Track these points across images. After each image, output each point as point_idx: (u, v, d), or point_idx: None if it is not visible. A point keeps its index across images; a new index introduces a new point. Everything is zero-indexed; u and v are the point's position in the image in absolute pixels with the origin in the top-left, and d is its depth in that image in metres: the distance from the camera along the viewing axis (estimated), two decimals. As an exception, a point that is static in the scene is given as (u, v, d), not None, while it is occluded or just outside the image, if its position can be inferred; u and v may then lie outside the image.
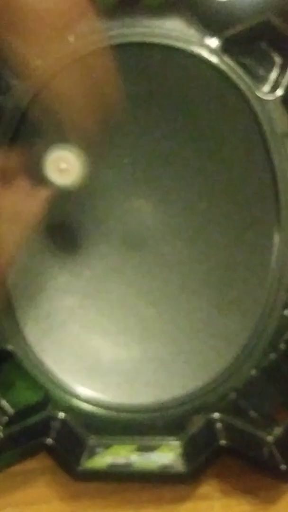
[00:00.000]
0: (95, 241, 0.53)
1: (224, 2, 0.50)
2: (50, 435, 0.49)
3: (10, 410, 0.51)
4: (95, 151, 0.52)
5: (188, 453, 0.49)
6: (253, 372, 0.51)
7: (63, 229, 0.53)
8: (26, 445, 0.49)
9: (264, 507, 0.51)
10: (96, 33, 0.51)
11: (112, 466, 0.48)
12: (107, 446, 0.50)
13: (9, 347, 0.51)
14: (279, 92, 0.51)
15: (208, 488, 0.51)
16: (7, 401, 0.51)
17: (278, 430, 0.50)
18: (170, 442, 0.50)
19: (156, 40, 0.52)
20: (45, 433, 0.49)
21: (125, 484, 0.51)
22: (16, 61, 0.48)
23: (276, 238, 0.51)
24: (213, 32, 0.51)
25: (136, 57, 0.52)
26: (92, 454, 0.49)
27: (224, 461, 0.50)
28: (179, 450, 0.50)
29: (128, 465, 0.48)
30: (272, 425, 0.50)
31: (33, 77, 0.51)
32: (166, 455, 0.49)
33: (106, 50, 0.51)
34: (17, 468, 0.51)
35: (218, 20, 0.50)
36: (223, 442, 0.48)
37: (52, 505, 0.52)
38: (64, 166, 0.47)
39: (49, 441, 0.48)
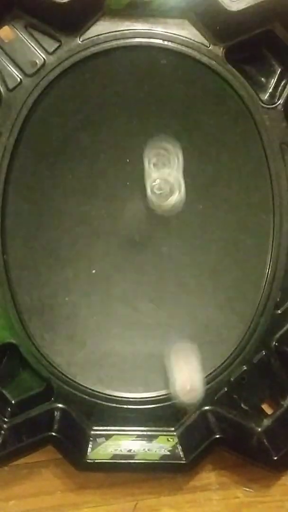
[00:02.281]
0: (97, 239, 0.54)
1: (231, 12, 0.50)
2: (53, 427, 0.51)
3: (12, 400, 0.53)
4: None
5: (184, 443, 0.52)
6: (245, 367, 0.54)
7: (68, 228, 0.54)
8: (31, 438, 0.51)
9: (261, 498, 0.54)
10: (104, 35, 0.52)
11: (115, 457, 0.51)
12: (107, 436, 0.53)
13: (13, 340, 0.53)
14: (280, 101, 0.53)
15: (206, 480, 0.54)
16: (9, 393, 0.53)
17: (267, 422, 0.54)
18: (167, 433, 0.53)
19: (162, 43, 0.52)
20: (49, 426, 0.51)
21: (125, 476, 0.53)
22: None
23: (271, 241, 0.54)
24: (219, 40, 0.52)
25: (142, 59, 0.53)
26: (95, 445, 0.52)
27: (221, 454, 0.53)
28: (175, 440, 0.53)
29: (131, 456, 0.51)
30: (261, 417, 0.54)
31: (40, 74, 0.52)
32: (165, 445, 0.52)
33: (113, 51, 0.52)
34: (21, 461, 0.53)
35: (224, 28, 0.51)
36: (218, 433, 0.51)
37: (54, 497, 0.54)
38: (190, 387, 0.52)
39: (53, 434, 0.50)
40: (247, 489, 0.54)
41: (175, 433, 0.53)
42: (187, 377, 0.52)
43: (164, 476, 0.53)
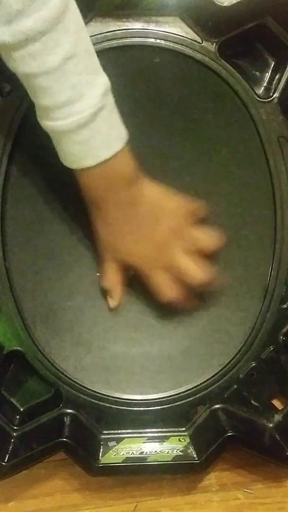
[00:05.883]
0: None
1: (222, 7, 0.50)
2: (64, 433, 0.51)
3: (20, 408, 0.53)
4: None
5: (196, 443, 0.52)
6: (254, 363, 0.54)
7: (69, 232, 0.54)
8: (41, 445, 0.50)
9: (261, 500, 0.54)
10: (96, 36, 0.52)
11: (127, 460, 0.50)
12: (118, 440, 0.52)
13: (18, 347, 0.52)
14: (275, 94, 0.53)
15: (206, 481, 0.54)
16: (17, 400, 0.53)
17: (278, 417, 0.54)
18: (178, 433, 0.53)
19: (155, 42, 0.52)
20: (59, 432, 0.51)
21: (125, 477, 0.53)
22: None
23: (273, 236, 0.54)
24: (211, 35, 0.52)
25: (136, 59, 0.53)
26: (106, 449, 0.51)
27: (222, 455, 0.52)
28: (187, 440, 0.52)
29: (143, 459, 0.51)
30: (272, 413, 0.54)
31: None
32: (177, 446, 0.52)
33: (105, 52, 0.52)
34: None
35: (216, 24, 0.51)
36: (230, 431, 0.51)
37: (54, 499, 0.53)
38: None
39: (64, 439, 0.50)
40: (248, 491, 0.54)
41: (186, 433, 0.53)
42: None
43: (164, 477, 0.53)
